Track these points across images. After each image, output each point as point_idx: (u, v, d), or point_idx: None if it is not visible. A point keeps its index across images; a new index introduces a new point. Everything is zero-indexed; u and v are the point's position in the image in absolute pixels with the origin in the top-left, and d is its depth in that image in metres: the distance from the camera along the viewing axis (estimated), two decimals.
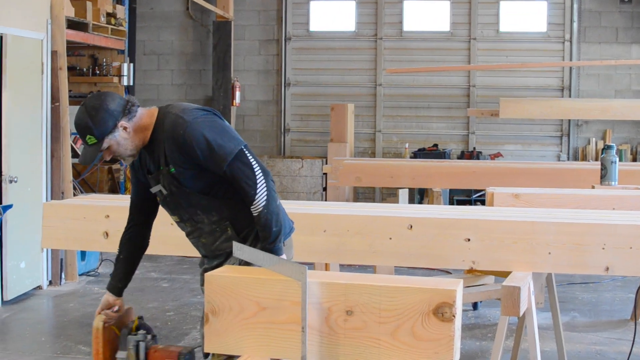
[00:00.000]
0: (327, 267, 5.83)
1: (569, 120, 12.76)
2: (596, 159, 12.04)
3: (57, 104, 8.11)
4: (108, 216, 4.90)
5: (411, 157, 12.29)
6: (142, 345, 3.48)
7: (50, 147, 8.08)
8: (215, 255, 3.65)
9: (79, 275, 8.43)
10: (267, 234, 3.42)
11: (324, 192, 12.41)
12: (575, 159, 12.79)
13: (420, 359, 2.55)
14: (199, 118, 3.43)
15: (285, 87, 13.47)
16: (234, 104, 13.03)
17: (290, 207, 4.19)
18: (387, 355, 2.58)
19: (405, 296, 2.55)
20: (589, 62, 12.29)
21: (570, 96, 12.82)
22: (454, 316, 2.51)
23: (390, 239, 4.45)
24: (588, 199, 5.57)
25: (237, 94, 13.05)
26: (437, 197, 8.67)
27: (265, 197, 3.41)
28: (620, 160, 8.90)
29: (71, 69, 10.63)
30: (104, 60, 11.14)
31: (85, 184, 10.56)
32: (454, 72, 13.06)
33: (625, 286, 8.23)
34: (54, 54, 8.12)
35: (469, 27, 13.07)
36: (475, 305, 7.33)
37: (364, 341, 2.60)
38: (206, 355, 3.37)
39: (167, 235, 4.37)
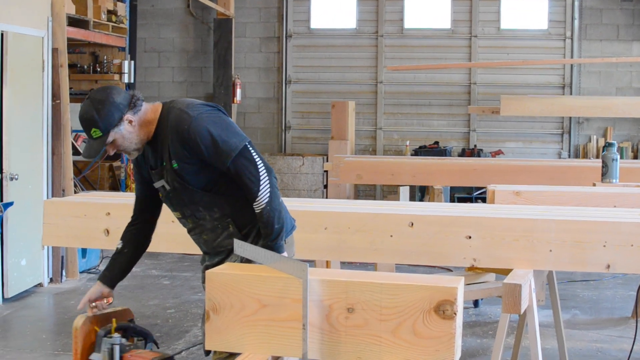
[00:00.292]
0: (328, 264, 5.83)
1: (570, 117, 12.75)
2: (597, 157, 12.02)
3: (58, 101, 8.11)
4: (109, 214, 4.90)
5: (412, 155, 12.28)
6: (116, 348, 3.38)
7: (51, 145, 8.08)
8: (216, 252, 3.64)
9: (80, 272, 8.43)
10: (269, 231, 3.42)
11: (324, 190, 12.40)
12: (576, 156, 12.77)
13: (421, 356, 2.55)
14: (204, 113, 3.43)
15: (286, 84, 13.46)
16: (235, 102, 13.01)
17: (291, 204, 4.19)
18: (388, 353, 2.58)
19: (406, 294, 2.55)
20: (590, 59, 12.28)
21: (571, 94, 12.79)
22: (455, 314, 2.51)
23: (391, 236, 4.45)
24: (589, 196, 5.57)
25: (238, 91, 13.04)
26: (438, 194, 8.67)
27: (268, 194, 3.41)
28: (622, 157, 8.88)
29: (72, 66, 10.63)
30: (105, 57, 11.13)
31: (86, 182, 10.56)
32: (455, 69, 13.05)
33: (626, 284, 8.23)
34: (54, 51, 8.12)
35: (470, 25, 13.05)
36: (476, 303, 7.33)
37: (365, 339, 2.60)
38: (207, 352, 3.37)
39: (168, 232, 4.37)
